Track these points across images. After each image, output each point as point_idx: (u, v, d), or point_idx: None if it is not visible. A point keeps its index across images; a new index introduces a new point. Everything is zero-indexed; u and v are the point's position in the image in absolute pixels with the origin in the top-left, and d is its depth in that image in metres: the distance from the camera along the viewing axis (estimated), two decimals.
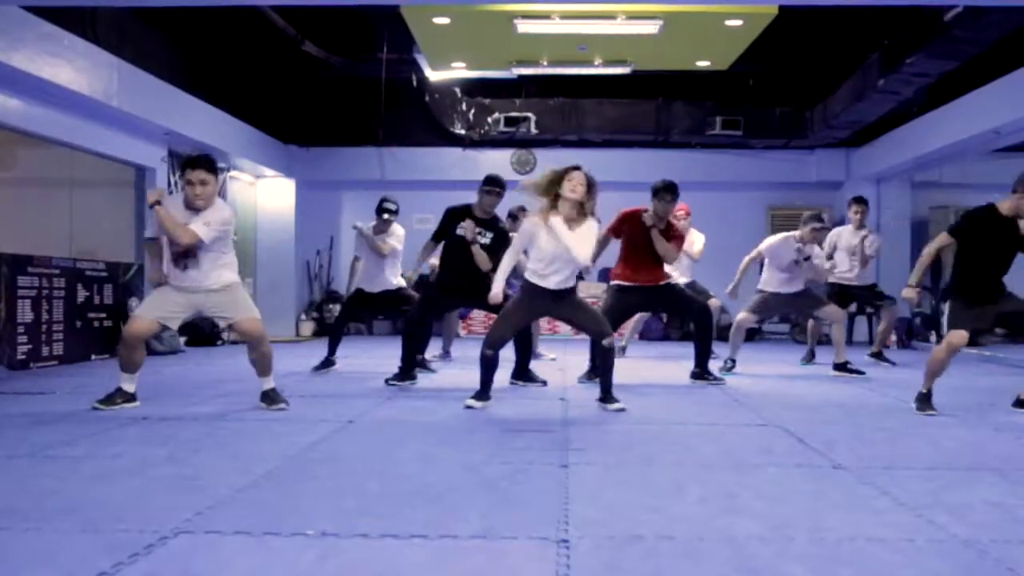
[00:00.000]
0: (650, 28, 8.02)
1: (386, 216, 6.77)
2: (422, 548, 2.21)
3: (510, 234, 5.72)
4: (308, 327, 12.15)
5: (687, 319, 5.99)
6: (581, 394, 5.49)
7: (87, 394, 5.10)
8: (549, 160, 12.11)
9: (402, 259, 6.96)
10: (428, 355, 7.12)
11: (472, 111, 11.64)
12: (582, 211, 4.64)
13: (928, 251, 4.92)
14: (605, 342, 4.75)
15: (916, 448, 3.69)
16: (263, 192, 12.43)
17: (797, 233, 6.85)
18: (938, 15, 7.47)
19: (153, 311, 4.70)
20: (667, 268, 6.21)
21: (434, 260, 6.64)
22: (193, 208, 4.64)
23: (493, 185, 5.89)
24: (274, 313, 12.28)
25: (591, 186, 4.64)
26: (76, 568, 2.05)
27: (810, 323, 8.00)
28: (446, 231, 5.93)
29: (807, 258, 6.81)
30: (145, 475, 3.05)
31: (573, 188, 4.59)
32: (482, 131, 11.72)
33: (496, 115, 11.56)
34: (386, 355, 6.09)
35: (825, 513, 2.58)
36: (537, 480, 2.99)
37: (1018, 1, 6.08)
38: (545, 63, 9.47)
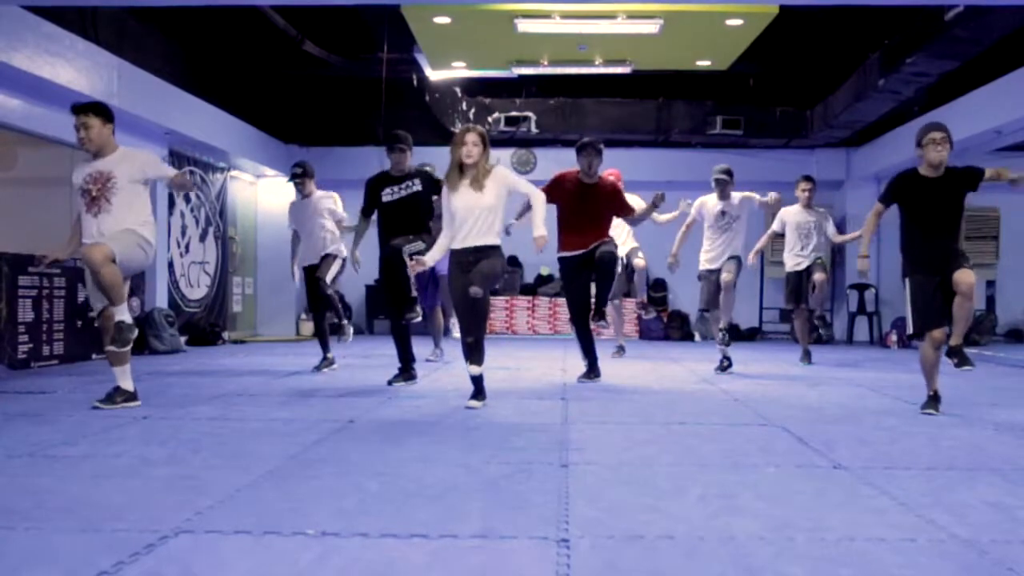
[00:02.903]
0: (650, 28, 8.02)
1: (296, 181, 6.87)
2: (422, 548, 2.21)
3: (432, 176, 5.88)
4: (309, 327, 12.15)
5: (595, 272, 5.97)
6: (581, 394, 5.50)
7: (87, 393, 5.11)
8: (549, 160, 12.19)
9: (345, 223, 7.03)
10: (424, 357, 7.13)
11: (472, 111, 11.64)
12: (482, 171, 4.70)
13: (868, 218, 4.94)
14: (472, 290, 4.59)
15: (916, 448, 3.69)
16: (263, 192, 12.44)
17: (714, 193, 7.01)
18: (938, 15, 7.47)
19: (101, 299, 4.67)
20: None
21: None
22: (89, 155, 4.69)
23: (395, 142, 5.84)
24: (275, 313, 12.32)
25: (485, 143, 4.72)
26: (77, 567, 2.05)
27: (798, 323, 7.99)
28: (373, 204, 5.88)
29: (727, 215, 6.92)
30: (145, 475, 3.06)
31: (468, 153, 4.67)
32: None
33: (496, 115, 11.57)
34: (386, 355, 6.10)
35: (825, 513, 2.58)
36: (537, 480, 2.99)
37: (1019, 1, 6.08)
38: (545, 63, 9.47)
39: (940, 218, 4.63)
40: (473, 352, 4.73)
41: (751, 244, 7.51)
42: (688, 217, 7.20)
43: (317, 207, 6.87)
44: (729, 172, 7.03)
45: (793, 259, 7.77)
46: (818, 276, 7.54)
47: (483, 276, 4.61)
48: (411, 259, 5.62)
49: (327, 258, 6.83)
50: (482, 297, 4.59)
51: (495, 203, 4.70)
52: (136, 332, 4.69)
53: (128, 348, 4.65)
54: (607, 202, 6.01)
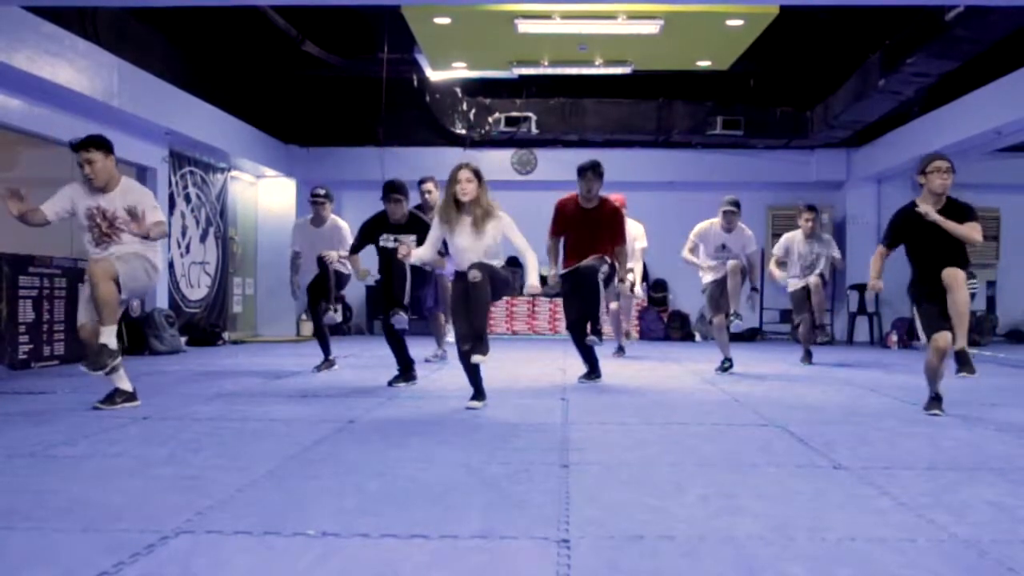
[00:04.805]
0: (651, 28, 8.02)
1: (317, 201, 6.83)
2: (423, 548, 2.21)
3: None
4: (309, 327, 12.13)
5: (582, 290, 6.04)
6: (581, 394, 5.49)
7: (88, 394, 5.11)
8: (550, 160, 12.20)
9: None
10: (424, 357, 7.12)
11: (473, 111, 11.64)
12: (481, 206, 4.66)
13: (873, 261, 4.94)
14: (471, 274, 4.57)
15: (916, 448, 3.69)
16: (264, 192, 12.44)
17: (718, 220, 6.99)
18: (938, 15, 7.47)
19: (89, 314, 4.63)
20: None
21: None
22: (95, 189, 4.62)
23: (395, 193, 5.77)
24: (275, 313, 12.31)
25: (480, 178, 4.68)
26: (77, 567, 2.05)
27: (803, 328, 7.98)
28: (362, 246, 5.94)
29: (723, 246, 6.98)
30: (146, 475, 3.06)
31: (463, 190, 4.63)
32: (483, 131, 11.72)
33: (497, 115, 11.57)
34: (386, 355, 6.10)
35: (825, 513, 2.58)
36: (537, 480, 2.99)
37: (1019, 1, 6.08)
38: (546, 63, 9.47)
39: (945, 250, 4.61)
40: (476, 345, 4.66)
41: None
42: (687, 243, 7.21)
43: (330, 236, 6.82)
44: (737, 204, 7.02)
45: (796, 281, 7.75)
46: (812, 280, 7.61)
47: (481, 264, 4.61)
48: (396, 241, 5.57)
49: (332, 264, 6.84)
50: (479, 281, 4.53)
51: (493, 244, 4.71)
52: (116, 360, 4.53)
53: (101, 372, 4.50)
54: (607, 225, 6.03)
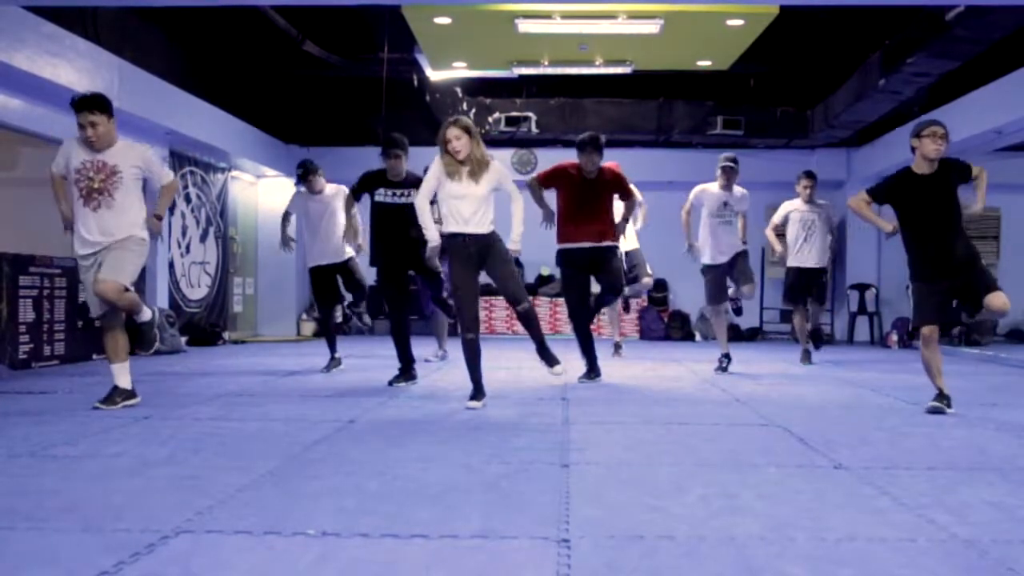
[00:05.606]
0: (651, 28, 8.02)
1: (300, 175, 6.81)
2: (423, 548, 2.21)
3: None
4: (309, 327, 12.16)
5: (602, 279, 6.11)
6: (582, 394, 5.49)
7: (88, 393, 5.11)
8: (550, 160, 12.10)
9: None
10: (424, 357, 7.12)
11: (473, 111, 11.63)
12: (478, 161, 4.73)
13: (864, 211, 4.95)
14: (520, 308, 4.90)
15: (916, 448, 3.69)
16: (264, 192, 12.44)
17: (716, 182, 7.01)
18: (938, 15, 7.47)
19: (100, 307, 4.67)
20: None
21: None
22: (94, 150, 4.59)
23: (394, 148, 5.75)
24: (275, 313, 12.32)
25: (470, 132, 4.72)
26: (77, 567, 2.05)
27: (797, 321, 7.95)
28: (360, 192, 5.95)
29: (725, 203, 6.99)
30: (146, 475, 3.06)
31: (456, 149, 4.68)
32: (483, 131, 11.72)
33: (497, 115, 11.56)
34: (388, 355, 6.10)
35: (825, 513, 2.58)
36: (537, 480, 2.99)
37: (1019, 1, 6.08)
38: (546, 63, 9.47)
39: (937, 214, 4.61)
40: (550, 358, 5.06)
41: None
42: (686, 203, 7.18)
43: (332, 206, 6.81)
44: (736, 160, 7.04)
45: (796, 256, 7.72)
46: (817, 305, 7.79)
47: (517, 285, 4.90)
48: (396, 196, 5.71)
49: (352, 260, 6.86)
50: (530, 308, 4.93)
51: (488, 194, 4.78)
52: (145, 311, 4.80)
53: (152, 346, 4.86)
54: (610, 191, 6.06)
